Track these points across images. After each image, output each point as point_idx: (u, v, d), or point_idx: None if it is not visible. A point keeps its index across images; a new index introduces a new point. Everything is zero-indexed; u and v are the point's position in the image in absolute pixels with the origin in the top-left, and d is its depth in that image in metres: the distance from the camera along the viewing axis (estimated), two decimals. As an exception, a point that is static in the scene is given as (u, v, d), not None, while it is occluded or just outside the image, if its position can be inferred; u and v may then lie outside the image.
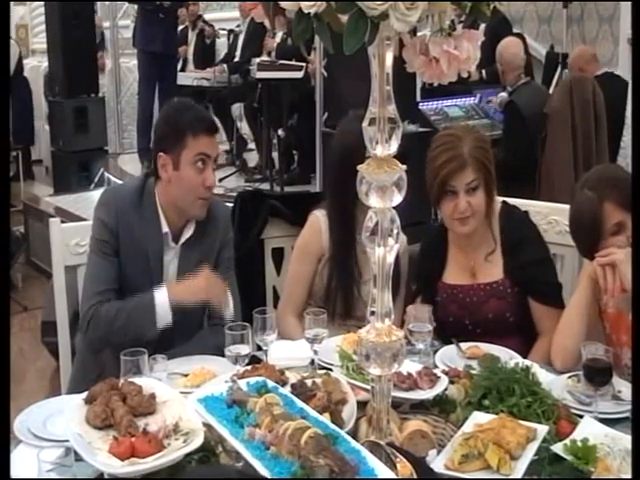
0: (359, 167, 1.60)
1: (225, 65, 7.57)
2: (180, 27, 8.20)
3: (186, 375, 2.08)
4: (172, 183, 2.39)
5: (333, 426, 1.60)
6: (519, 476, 1.59)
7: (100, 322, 2.31)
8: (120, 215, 2.39)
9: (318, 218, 2.69)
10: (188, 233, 2.45)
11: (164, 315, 2.29)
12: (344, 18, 1.36)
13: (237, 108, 7.37)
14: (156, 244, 2.41)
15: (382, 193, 1.55)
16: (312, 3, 1.36)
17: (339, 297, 2.61)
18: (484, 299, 2.47)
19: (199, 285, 2.33)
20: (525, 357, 2.22)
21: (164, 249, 2.43)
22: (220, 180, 5.83)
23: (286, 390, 1.78)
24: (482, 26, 1.55)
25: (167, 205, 2.42)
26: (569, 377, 2.01)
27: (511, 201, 2.60)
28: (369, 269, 2.58)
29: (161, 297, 2.31)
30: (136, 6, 7.80)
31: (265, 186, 5.81)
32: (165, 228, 2.42)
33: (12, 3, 8.68)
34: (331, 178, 2.79)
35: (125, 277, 2.39)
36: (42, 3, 8.04)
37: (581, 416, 1.82)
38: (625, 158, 5.05)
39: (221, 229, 2.52)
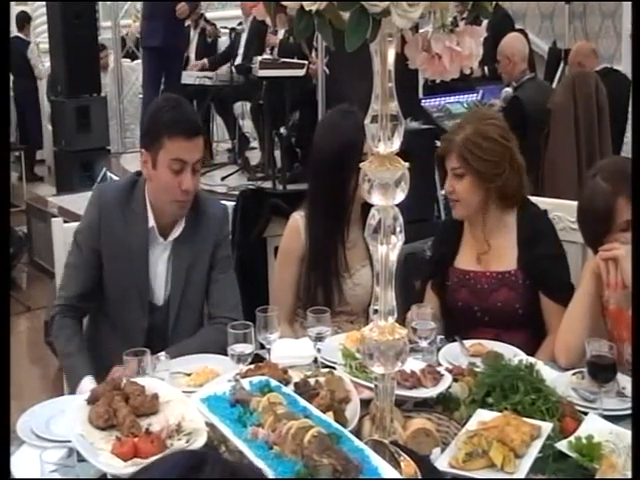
0: (362, 165, 1.59)
1: (206, 60, 7.65)
2: (182, 26, 8.17)
3: (189, 374, 2.07)
4: (152, 181, 2.38)
5: (336, 425, 1.59)
6: (523, 474, 1.58)
7: (52, 334, 2.41)
8: (103, 212, 2.39)
9: (296, 220, 2.65)
10: (178, 230, 2.41)
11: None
12: (346, 15, 1.36)
13: (239, 106, 7.34)
14: (140, 239, 2.39)
15: (384, 191, 1.54)
16: (313, 1, 1.35)
17: (320, 293, 2.57)
18: (495, 287, 2.48)
19: None
20: (532, 353, 2.22)
21: (150, 244, 2.41)
22: (222, 179, 5.82)
23: (289, 389, 1.78)
24: (484, 22, 1.54)
25: (155, 201, 2.40)
26: (573, 374, 2.01)
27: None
28: (353, 264, 2.59)
29: (85, 387, 2.12)
30: (138, 5, 7.77)
31: (267, 184, 5.80)
32: (151, 222, 2.39)
33: (13, 3, 8.66)
34: (327, 174, 2.56)
35: (109, 273, 2.39)
36: (44, 3, 8.02)
37: (586, 413, 1.82)
38: (628, 153, 5.04)
39: (215, 227, 2.47)
